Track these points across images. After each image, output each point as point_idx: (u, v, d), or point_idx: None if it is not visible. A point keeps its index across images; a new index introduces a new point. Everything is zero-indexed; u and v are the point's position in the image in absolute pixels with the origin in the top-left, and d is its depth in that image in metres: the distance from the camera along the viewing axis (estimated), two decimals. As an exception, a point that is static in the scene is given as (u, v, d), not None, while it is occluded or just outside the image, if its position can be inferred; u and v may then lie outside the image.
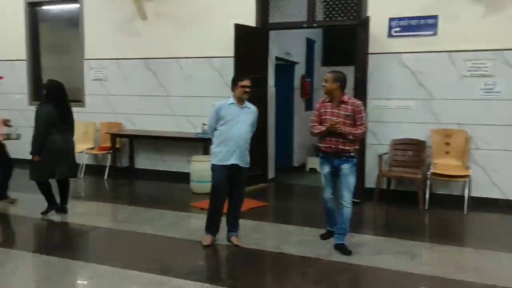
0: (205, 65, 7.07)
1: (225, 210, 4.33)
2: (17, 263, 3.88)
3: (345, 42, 8.21)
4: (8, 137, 5.69)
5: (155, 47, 7.36)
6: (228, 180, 4.23)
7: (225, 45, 6.59)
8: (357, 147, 4.16)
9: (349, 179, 4.08)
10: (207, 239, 4.27)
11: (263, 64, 6.82)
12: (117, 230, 4.79)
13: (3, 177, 5.67)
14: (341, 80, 4.05)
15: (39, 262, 3.85)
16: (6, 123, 5.78)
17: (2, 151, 5.65)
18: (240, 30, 6.33)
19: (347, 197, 4.07)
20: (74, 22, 7.99)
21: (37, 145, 4.95)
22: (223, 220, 4.37)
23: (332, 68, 4.44)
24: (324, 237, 4.46)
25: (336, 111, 4.06)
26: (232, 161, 4.16)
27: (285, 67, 8.09)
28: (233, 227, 4.38)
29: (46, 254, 4.01)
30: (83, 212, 5.54)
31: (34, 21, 8.38)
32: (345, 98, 4.07)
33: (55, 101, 4.99)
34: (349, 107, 4.04)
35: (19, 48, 8.31)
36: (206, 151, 6.64)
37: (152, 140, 7.45)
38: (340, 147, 4.01)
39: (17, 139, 5.71)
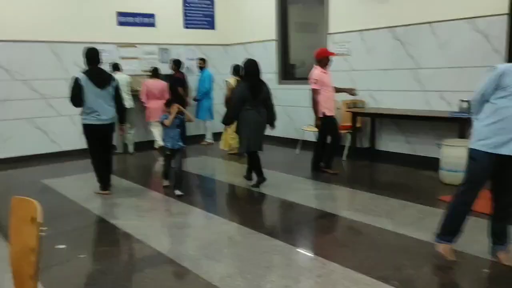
0: (466, 27, 5.75)
1: (480, 209, 3.24)
2: (249, 242, 3.82)
3: None
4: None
5: (404, 12, 6.42)
6: (491, 174, 3.13)
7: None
8: None
9: None
10: (446, 250, 3.28)
11: (553, 20, 5.06)
12: (352, 221, 4.27)
13: (330, 148, 6.09)
14: None
15: (268, 245, 3.69)
16: (351, 92, 6.21)
17: (334, 124, 6.03)
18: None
19: None
20: (319, -3, 7.80)
21: (226, 118, 5.52)
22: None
23: None
24: None
25: None
26: (508, 150, 3.01)
27: None
28: (500, 239, 3.26)
29: (274, 237, 3.83)
30: (317, 195, 5.28)
31: (284, 1, 8.57)
32: None
33: (249, 79, 5.26)
34: None
35: (270, 29, 8.67)
36: (462, 134, 5.43)
37: (396, 119, 6.63)
38: None
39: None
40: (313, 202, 4.94)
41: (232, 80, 7.50)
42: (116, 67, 7.69)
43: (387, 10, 6.64)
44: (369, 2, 6.87)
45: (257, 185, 5.44)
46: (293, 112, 8.42)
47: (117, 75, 7.54)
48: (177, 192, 5.16)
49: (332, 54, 6.10)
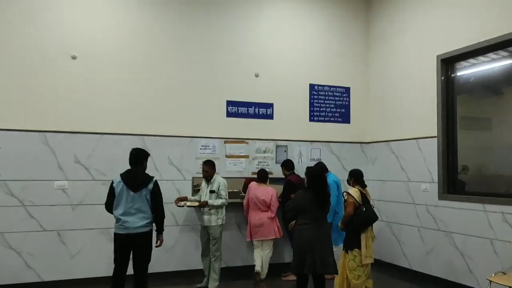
0: None
1: None
2: None
3: None
4: None
5: None
6: None
7: None
8: None
9: None
10: None
11: None
12: None
13: None
14: None
15: None
16: None
17: None
18: None
19: None
20: (496, 87, 5.23)
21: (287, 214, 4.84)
22: None
23: None
24: None
25: None
26: None
27: None
28: None
29: None
30: None
31: (450, 90, 6.10)
32: None
33: (312, 187, 4.57)
34: None
35: (429, 123, 6.18)
36: None
37: None
38: None
39: None
40: None
41: (354, 191, 5.07)
42: (213, 165, 5.71)
43: None
44: None
45: None
46: (467, 247, 5.49)
47: (218, 177, 5.70)
48: None
49: None
